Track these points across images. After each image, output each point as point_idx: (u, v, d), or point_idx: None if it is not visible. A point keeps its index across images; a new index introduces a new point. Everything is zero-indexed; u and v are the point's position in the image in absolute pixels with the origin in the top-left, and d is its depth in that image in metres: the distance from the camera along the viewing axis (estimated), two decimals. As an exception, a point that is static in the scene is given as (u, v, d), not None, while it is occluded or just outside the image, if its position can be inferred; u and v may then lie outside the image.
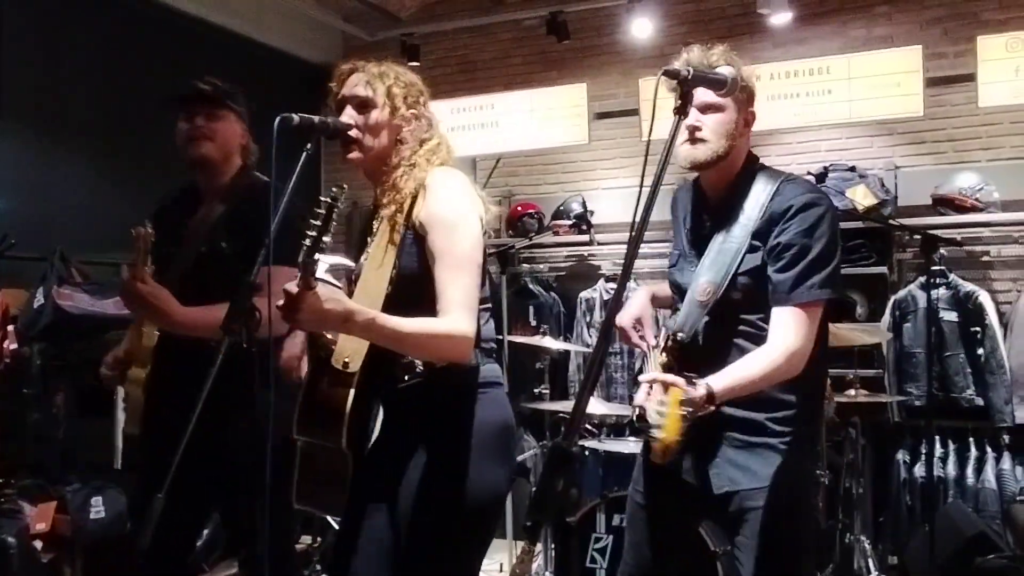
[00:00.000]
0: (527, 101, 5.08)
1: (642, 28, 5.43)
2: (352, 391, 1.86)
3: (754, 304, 2.03)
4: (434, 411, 1.93)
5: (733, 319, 2.03)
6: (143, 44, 5.09)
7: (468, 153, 5.07)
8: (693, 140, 2.05)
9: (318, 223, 1.66)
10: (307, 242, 1.66)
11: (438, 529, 1.92)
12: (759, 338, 2.02)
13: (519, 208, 5.73)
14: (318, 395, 1.90)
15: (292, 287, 1.67)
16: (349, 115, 2.02)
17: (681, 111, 1.66)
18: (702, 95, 2.00)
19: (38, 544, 3.81)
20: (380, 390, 1.99)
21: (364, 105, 2.02)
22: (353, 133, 2.01)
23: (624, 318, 2.21)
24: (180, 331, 2.38)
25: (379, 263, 1.94)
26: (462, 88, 5.79)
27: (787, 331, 1.96)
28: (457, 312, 1.83)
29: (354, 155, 2.03)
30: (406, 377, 1.92)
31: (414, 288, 1.90)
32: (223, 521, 2.80)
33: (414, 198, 1.95)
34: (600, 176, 5.83)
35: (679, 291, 2.15)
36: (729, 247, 2.04)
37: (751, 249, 2.03)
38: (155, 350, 2.53)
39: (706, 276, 2.04)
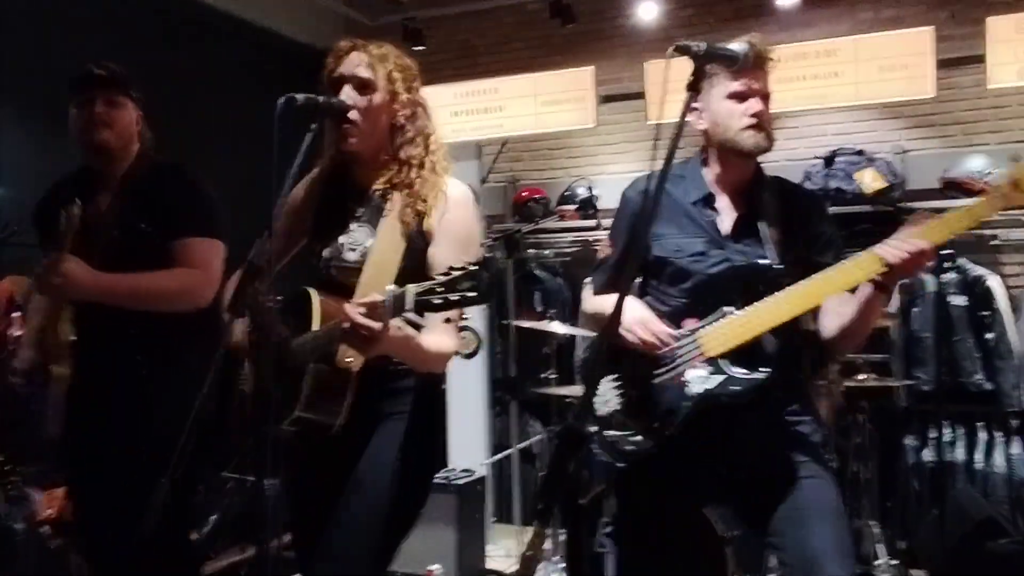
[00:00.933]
0: (532, 85, 5.02)
1: (648, 10, 5.39)
2: (352, 387, 1.90)
3: None
4: (413, 400, 2.03)
5: None
6: (147, 31, 5.06)
7: (472, 138, 5.02)
8: (760, 127, 2.05)
9: (448, 288, 1.60)
10: (421, 291, 1.62)
11: (401, 511, 2.02)
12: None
13: (524, 193, 5.70)
14: (321, 389, 1.91)
15: (373, 324, 1.67)
16: (348, 95, 1.99)
17: (693, 87, 1.63)
18: (762, 81, 2.04)
19: (46, 530, 3.81)
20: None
21: (365, 87, 2.01)
22: (352, 115, 1.98)
23: (651, 321, 2.08)
24: (103, 299, 2.40)
25: (384, 260, 1.94)
26: (465, 73, 5.74)
27: None
28: (451, 330, 1.94)
29: (352, 141, 2.00)
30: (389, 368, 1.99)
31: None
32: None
33: (424, 190, 1.99)
34: (605, 161, 5.79)
35: (706, 280, 2.10)
36: (768, 233, 2.07)
37: (788, 235, 2.07)
38: (74, 345, 2.52)
39: (775, 229, 2.06)
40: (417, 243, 1.97)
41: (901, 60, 4.25)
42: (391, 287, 1.68)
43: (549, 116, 4.94)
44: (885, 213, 4.65)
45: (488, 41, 6.15)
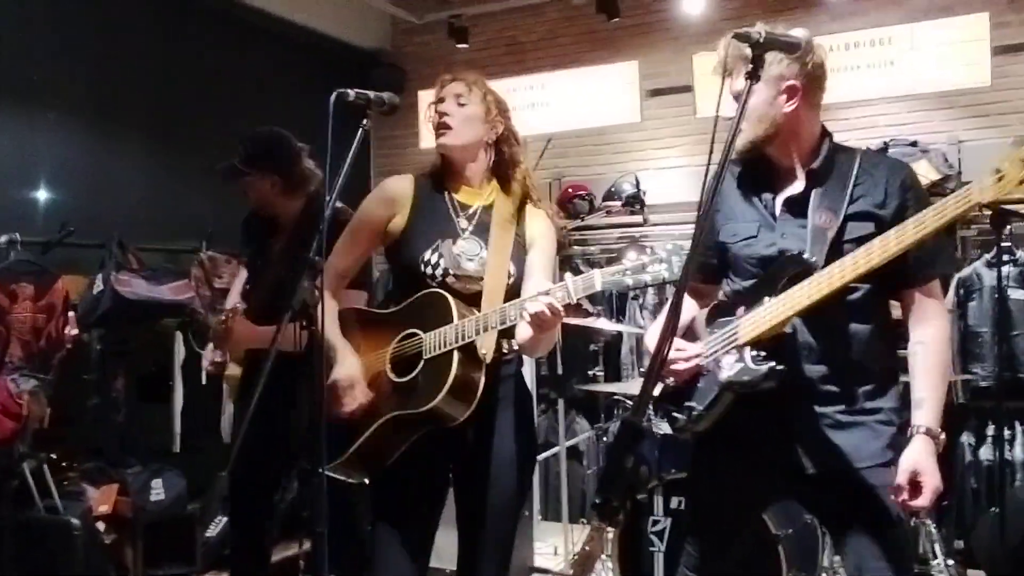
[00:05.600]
0: (578, 80, 5.00)
1: (694, 4, 5.33)
2: (483, 375, 2.13)
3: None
4: (515, 386, 2.32)
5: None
6: (196, 33, 5.13)
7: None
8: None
9: (636, 270, 1.86)
10: (611, 273, 1.88)
11: (526, 478, 2.36)
12: (867, 305, 2.01)
13: (570, 190, 5.66)
14: (461, 380, 2.10)
15: (561, 310, 1.96)
16: (447, 107, 2.26)
17: (753, 75, 1.59)
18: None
19: (100, 526, 3.88)
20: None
21: (460, 98, 2.27)
22: (449, 120, 2.24)
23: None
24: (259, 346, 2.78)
25: (499, 269, 2.23)
26: (511, 70, 5.73)
27: (937, 303, 2.05)
28: None
29: (446, 140, 2.26)
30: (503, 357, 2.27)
31: (516, 292, 2.23)
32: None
33: (521, 216, 2.32)
34: (651, 155, 5.74)
35: (757, 264, 2.09)
36: (815, 219, 2.00)
37: (859, 217, 1.99)
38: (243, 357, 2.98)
39: (822, 214, 2.00)
40: (521, 254, 2.29)
41: (957, 48, 4.14)
42: (569, 275, 1.96)
43: (595, 111, 4.91)
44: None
45: (533, 37, 6.13)
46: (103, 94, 4.67)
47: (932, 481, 1.91)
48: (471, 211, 2.30)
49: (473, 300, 2.19)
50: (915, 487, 1.92)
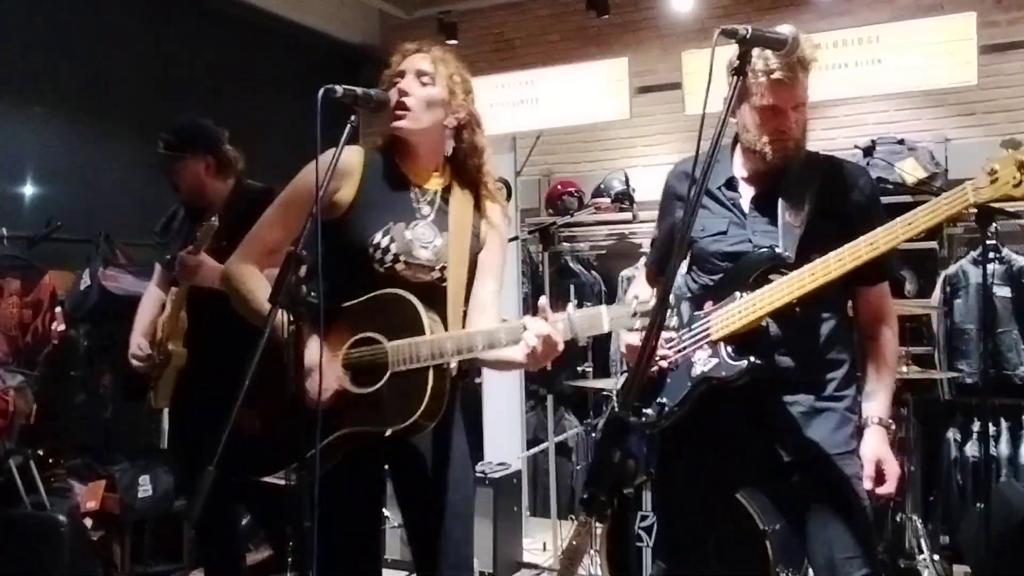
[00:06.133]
0: (567, 77, 4.99)
1: (683, 1, 5.34)
2: (449, 388, 1.99)
3: None
4: (454, 400, 2.11)
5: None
6: (183, 27, 5.11)
7: (507, 131, 5.00)
8: (785, 140, 2.06)
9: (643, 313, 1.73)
10: (618, 314, 1.76)
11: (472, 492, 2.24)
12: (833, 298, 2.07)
13: (559, 186, 5.68)
14: (436, 394, 1.95)
15: (560, 338, 1.80)
16: (407, 85, 2.06)
17: (740, 72, 1.60)
18: (797, 91, 2.01)
19: (88, 522, 3.86)
20: None
21: (424, 76, 2.08)
22: (408, 102, 2.04)
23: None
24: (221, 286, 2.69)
25: (460, 263, 2.07)
26: (500, 67, 5.73)
27: (890, 302, 2.16)
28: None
29: (403, 124, 2.05)
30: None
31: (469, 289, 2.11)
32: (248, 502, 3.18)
33: (477, 207, 2.14)
34: (640, 152, 5.76)
35: (725, 259, 2.12)
36: (786, 218, 2.04)
37: (818, 213, 2.04)
38: (188, 332, 2.99)
39: (790, 213, 2.04)
40: (476, 248, 2.12)
41: (944, 47, 4.16)
42: (571, 306, 1.81)
43: (584, 108, 4.91)
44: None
45: (523, 34, 6.13)
46: (90, 88, 4.64)
47: (893, 468, 2.03)
48: (428, 196, 2.11)
49: (422, 290, 1.99)
50: (879, 475, 2.02)
